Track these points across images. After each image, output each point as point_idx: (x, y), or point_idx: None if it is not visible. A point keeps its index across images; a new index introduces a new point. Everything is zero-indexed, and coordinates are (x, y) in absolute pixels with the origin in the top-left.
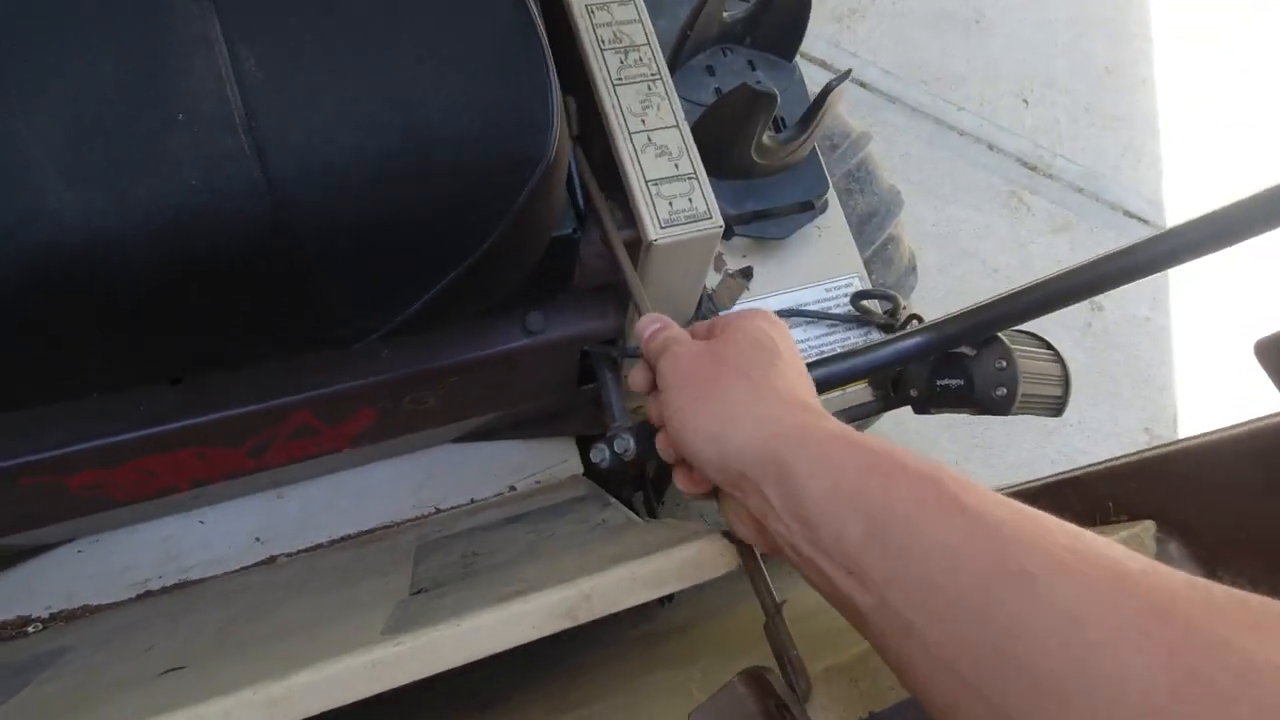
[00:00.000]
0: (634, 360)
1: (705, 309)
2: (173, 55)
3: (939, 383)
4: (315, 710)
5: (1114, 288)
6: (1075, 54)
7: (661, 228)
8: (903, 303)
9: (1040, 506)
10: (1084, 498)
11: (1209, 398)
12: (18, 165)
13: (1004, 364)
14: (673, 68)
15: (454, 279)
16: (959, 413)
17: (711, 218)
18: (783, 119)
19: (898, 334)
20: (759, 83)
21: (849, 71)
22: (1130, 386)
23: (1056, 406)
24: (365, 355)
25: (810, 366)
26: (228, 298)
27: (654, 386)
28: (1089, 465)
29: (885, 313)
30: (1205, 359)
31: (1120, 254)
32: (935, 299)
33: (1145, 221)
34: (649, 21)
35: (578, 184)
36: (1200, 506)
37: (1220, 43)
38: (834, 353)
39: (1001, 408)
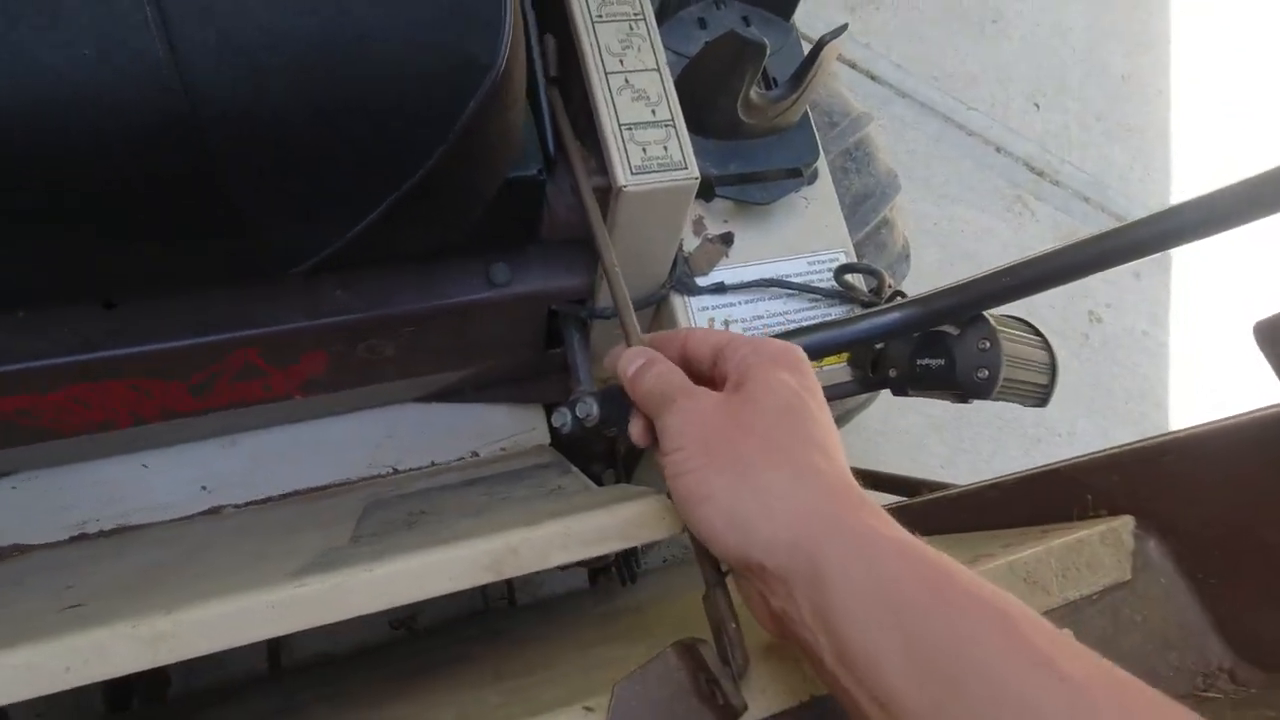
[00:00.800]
0: (603, 321)
1: (681, 273)
2: None
3: (919, 362)
4: (203, 651)
5: (1115, 265)
6: (1091, 61)
7: (632, 174)
8: (888, 280)
9: (1015, 501)
10: (1060, 491)
11: (1205, 417)
12: None
13: (987, 344)
14: (662, 18)
15: (395, 202)
16: (939, 396)
17: (687, 168)
18: (774, 79)
19: (879, 307)
20: (745, 21)
21: (845, 26)
22: (1124, 401)
23: (1041, 396)
24: (317, 294)
25: (785, 336)
26: (137, 194)
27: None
28: (1068, 459)
29: (870, 290)
30: (1203, 377)
31: (1122, 230)
32: None
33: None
34: None
35: (549, 125)
36: (1184, 502)
37: (1244, 55)
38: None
39: (982, 391)
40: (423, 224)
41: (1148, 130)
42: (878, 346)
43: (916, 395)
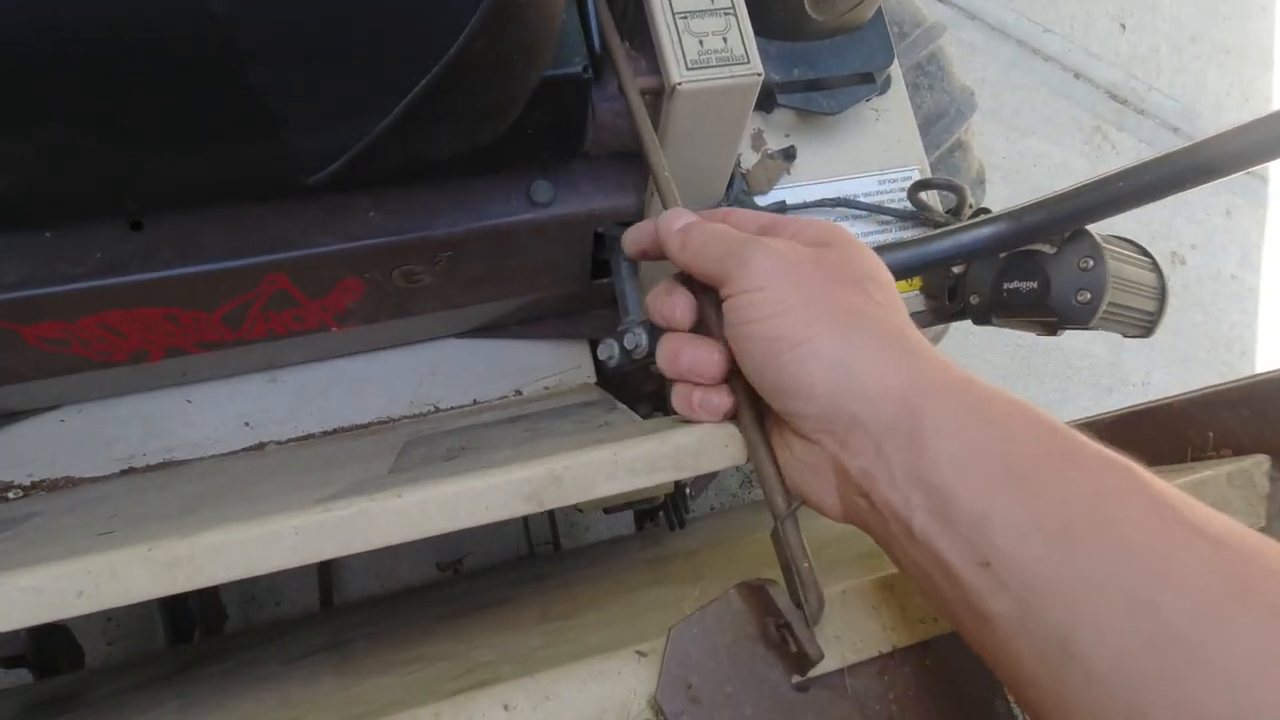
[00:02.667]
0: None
1: (738, 191)
2: None
3: (1007, 286)
4: (221, 579)
5: (1240, 170)
6: None
7: (688, 69)
8: (969, 198)
9: (1114, 441)
10: (1170, 430)
11: None
12: None
13: (1090, 263)
14: None
15: (427, 85)
16: (1026, 327)
17: (750, 62)
18: None
19: (964, 223)
20: None
21: None
22: (1207, 349)
23: (1147, 324)
24: (349, 216)
25: None
26: (147, 76)
27: (646, 254)
28: (1176, 395)
29: (948, 211)
30: None
31: (1254, 125)
32: None
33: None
34: None
35: (593, 16)
36: None
37: None
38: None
39: (1082, 316)
40: (454, 121)
41: (1248, 50)
42: (955, 270)
43: (1001, 324)
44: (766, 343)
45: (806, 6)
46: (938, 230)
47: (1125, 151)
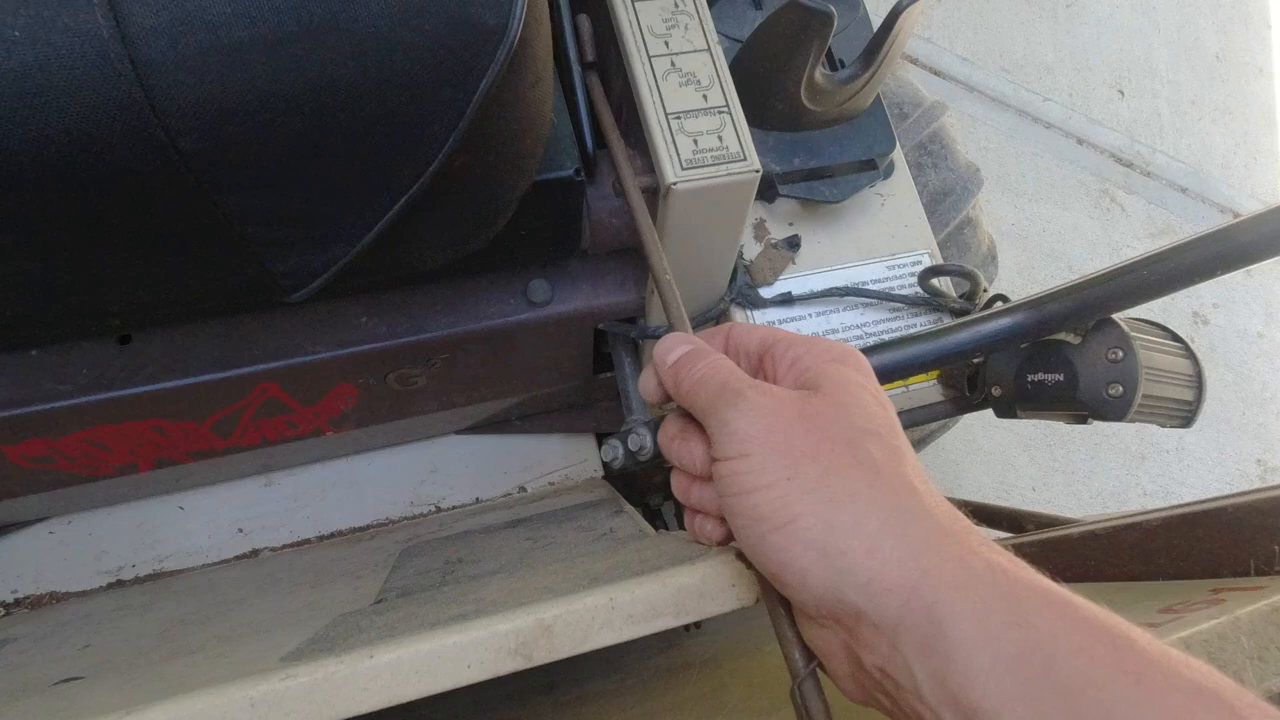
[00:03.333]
0: (656, 341)
1: (742, 283)
2: None
3: (1031, 378)
4: None
5: (1271, 257)
6: (1180, 41)
7: (683, 169)
8: (983, 283)
9: (1166, 547)
10: (1231, 537)
11: None
12: None
13: (1120, 354)
14: (712, 0)
15: (408, 203)
16: (1055, 418)
17: (746, 159)
18: (841, 61)
19: (980, 314)
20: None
21: None
22: (1240, 411)
23: (1186, 415)
24: (341, 322)
25: (867, 352)
26: (114, 201)
27: (666, 397)
28: (1239, 494)
29: (961, 295)
30: None
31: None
32: None
33: None
34: None
35: (586, 119)
36: None
37: None
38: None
39: (1116, 411)
40: (439, 234)
41: (1250, 112)
42: (975, 360)
43: (1027, 417)
44: (751, 523)
45: (803, 99)
46: (954, 322)
47: (1134, 213)
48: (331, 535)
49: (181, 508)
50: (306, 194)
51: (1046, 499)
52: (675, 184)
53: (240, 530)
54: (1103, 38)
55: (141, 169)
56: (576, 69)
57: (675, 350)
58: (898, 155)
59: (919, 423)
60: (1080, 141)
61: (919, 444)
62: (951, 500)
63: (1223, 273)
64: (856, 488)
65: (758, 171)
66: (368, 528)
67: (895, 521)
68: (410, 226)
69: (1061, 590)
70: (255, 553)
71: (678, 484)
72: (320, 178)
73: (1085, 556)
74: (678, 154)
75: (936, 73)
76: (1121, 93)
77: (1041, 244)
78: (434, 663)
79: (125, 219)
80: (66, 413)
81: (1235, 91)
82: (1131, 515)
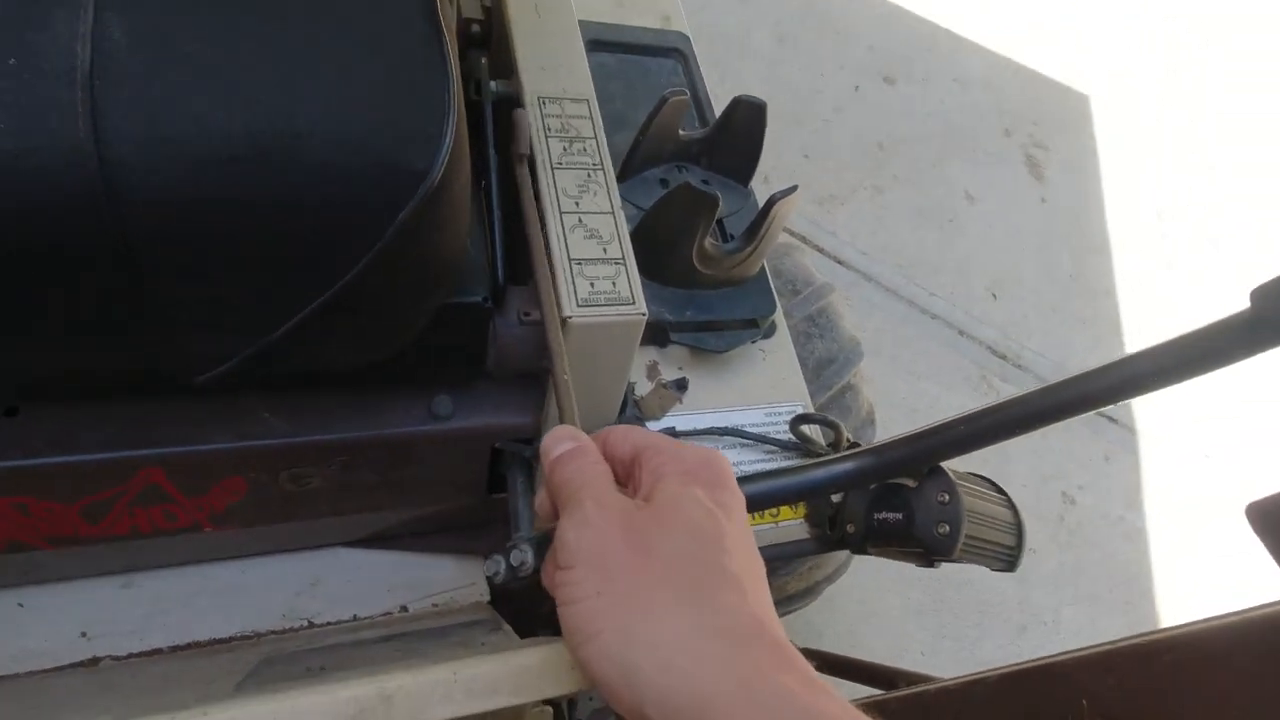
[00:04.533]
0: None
1: (630, 415)
2: (36, 10)
3: (877, 516)
4: None
5: (1076, 414)
6: (1042, 260)
7: (578, 305)
8: (845, 432)
9: (1004, 698)
10: (1052, 691)
11: (1199, 610)
12: None
13: (946, 498)
14: (625, 176)
15: (317, 309)
16: (901, 557)
17: (635, 304)
18: (732, 235)
19: (833, 456)
20: (705, 183)
21: (795, 187)
22: (1108, 589)
23: (1008, 558)
24: (240, 415)
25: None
26: (46, 271)
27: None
28: (1057, 654)
29: (828, 444)
30: (1190, 565)
31: (1080, 379)
32: None
33: (1115, 421)
34: (600, 122)
35: (500, 256)
36: (1190, 713)
37: (1172, 269)
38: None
39: (944, 548)
40: (348, 339)
41: (1100, 322)
42: (834, 499)
43: (877, 554)
44: (567, 634)
45: (695, 263)
46: (810, 461)
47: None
48: (186, 646)
49: (20, 604)
50: (229, 286)
51: (936, 663)
52: (570, 317)
53: (84, 634)
54: (979, 250)
55: (88, 246)
56: (497, 213)
57: (559, 445)
58: (780, 319)
59: (787, 556)
60: (961, 333)
61: (805, 594)
62: (821, 654)
63: (1023, 432)
64: (662, 603)
65: (644, 314)
66: (230, 639)
67: (690, 640)
68: (320, 328)
69: (845, 711)
70: (95, 660)
71: (545, 571)
72: (245, 274)
73: (941, 711)
74: (575, 292)
75: (840, 262)
76: (994, 295)
77: (930, 416)
78: None
79: (59, 282)
80: None
81: (1088, 305)
82: (980, 672)
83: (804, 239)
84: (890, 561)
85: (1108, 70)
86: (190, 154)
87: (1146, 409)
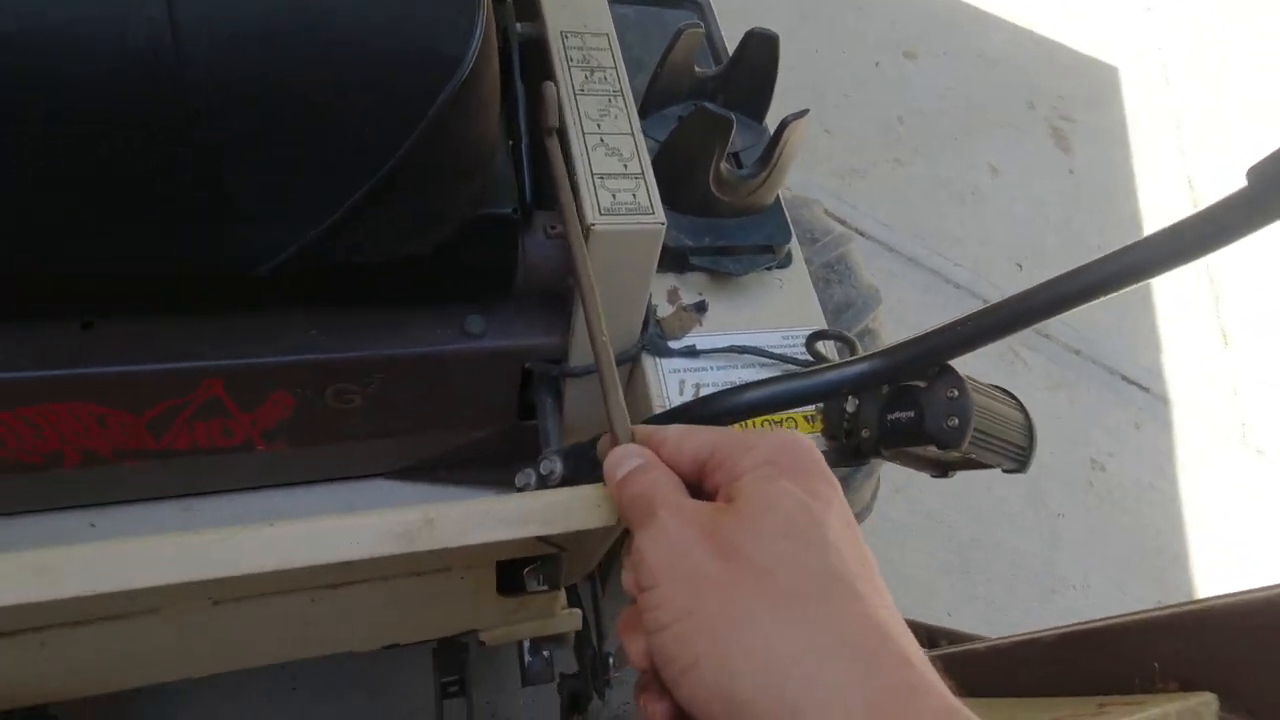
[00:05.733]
0: (577, 380)
1: (653, 333)
2: None
3: (889, 417)
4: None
5: (1087, 302)
6: (1065, 232)
7: (601, 214)
8: (860, 349)
9: (1060, 662)
10: (1117, 654)
11: (1231, 577)
12: None
13: (955, 393)
14: (645, 113)
15: (366, 193)
16: (915, 463)
17: (654, 213)
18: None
19: (846, 360)
20: (718, 109)
21: (806, 111)
22: (1139, 555)
23: (1019, 456)
24: (290, 332)
25: (748, 387)
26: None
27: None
28: (1125, 615)
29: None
30: (1223, 534)
31: (1087, 269)
32: None
33: (1147, 390)
34: (619, 54)
35: (528, 174)
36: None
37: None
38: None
39: (954, 440)
40: (393, 227)
41: (1130, 299)
42: (849, 410)
43: (891, 457)
44: (661, 665)
45: (713, 187)
46: (822, 365)
47: (1035, 367)
48: None
49: (92, 524)
50: (287, 167)
51: (963, 625)
52: (594, 225)
53: None
54: (1002, 223)
55: (163, 114)
56: (524, 134)
57: (623, 465)
58: (795, 249)
59: None
60: (985, 302)
61: None
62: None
63: (1032, 323)
64: (763, 618)
65: (662, 223)
66: None
67: (805, 660)
68: (368, 215)
69: None
70: None
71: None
72: (300, 155)
73: (990, 671)
74: (598, 202)
75: (860, 233)
76: (1019, 266)
77: None
78: (328, 535)
79: (137, 160)
80: (23, 383)
81: None
82: (1035, 632)
83: (825, 212)
84: (916, 523)
85: (1133, 47)
86: (245, 30)
87: (1179, 378)
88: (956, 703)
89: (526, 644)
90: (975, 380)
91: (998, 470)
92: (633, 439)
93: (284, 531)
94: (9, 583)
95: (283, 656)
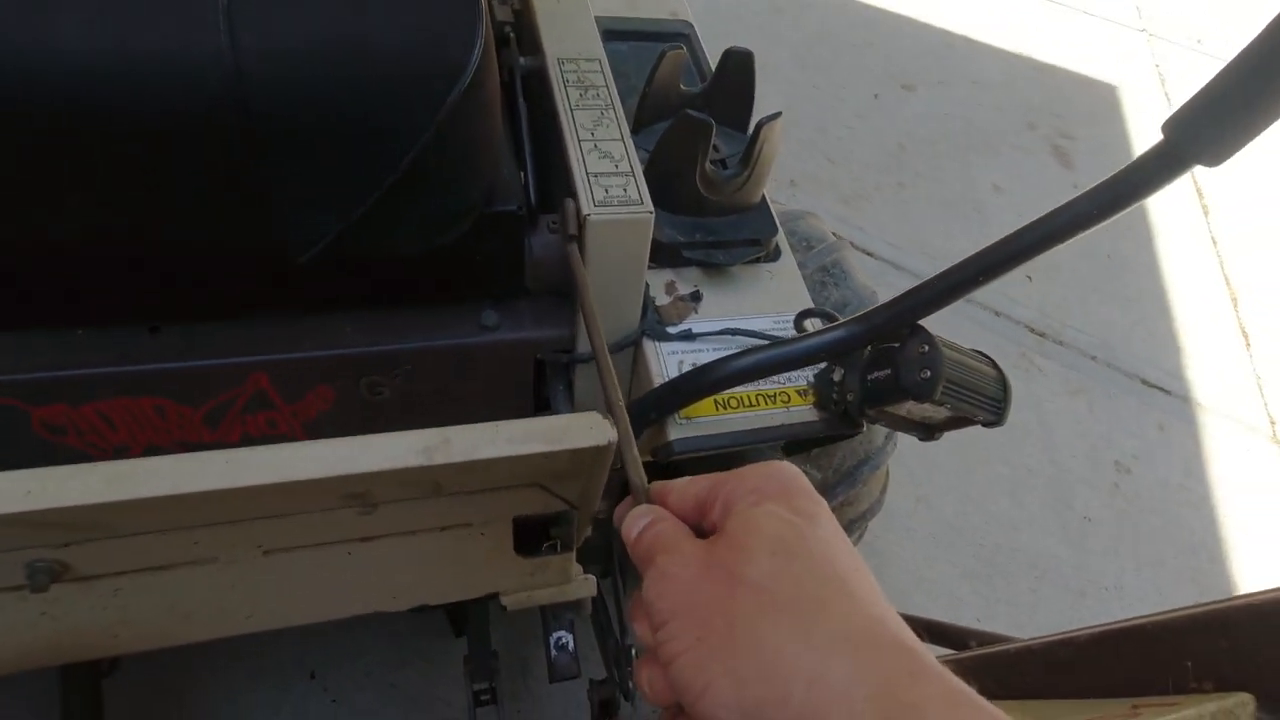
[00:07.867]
0: (586, 365)
1: (651, 320)
2: None
3: (869, 378)
4: (156, 489)
5: (1033, 256)
6: (1074, 242)
7: (595, 206)
8: None
9: (1093, 662)
10: (1150, 654)
11: (1272, 573)
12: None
13: (926, 348)
14: (636, 130)
15: (390, 186)
16: (899, 425)
17: (643, 204)
18: None
19: (823, 328)
20: (699, 114)
21: (779, 113)
22: (1174, 555)
23: (994, 408)
24: (329, 329)
25: (737, 356)
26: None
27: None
28: (1157, 614)
29: None
30: (1260, 532)
31: (1028, 228)
32: (945, 448)
33: (1169, 393)
34: (610, 76)
35: (531, 178)
36: None
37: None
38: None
39: (927, 390)
40: (415, 220)
41: (1145, 300)
42: (835, 380)
43: (875, 416)
44: (680, 694)
45: (700, 188)
46: (807, 333)
47: (1051, 374)
48: None
49: None
50: (324, 166)
51: (991, 629)
52: (589, 215)
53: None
54: None
55: (226, 127)
56: (526, 143)
57: (636, 525)
58: (782, 240)
59: (798, 436)
60: (997, 314)
61: (850, 527)
62: (904, 617)
63: (996, 276)
64: (765, 631)
65: (651, 212)
66: None
67: (806, 658)
68: (393, 207)
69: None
70: None
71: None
72: (335, 155)
73: (1020, 673)
74: (592, 197)
75: (869, 254)
76: (1030, 278)
77: None
78: (358, 450)
79: (202, 167)
80: (97, 380)
81: (1130, 284)
82: (1068, 633)
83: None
84: (939, 532)
85: (1131, 65)
86: (293, 52)
87: (1201, 380)
88: (958, 684)
89: (553, 639)
90: (949, 341)
91: (1020, 477)
92: (648, 496)
93: (323, 447)
94: (83, 486)
95: (322, 615)
